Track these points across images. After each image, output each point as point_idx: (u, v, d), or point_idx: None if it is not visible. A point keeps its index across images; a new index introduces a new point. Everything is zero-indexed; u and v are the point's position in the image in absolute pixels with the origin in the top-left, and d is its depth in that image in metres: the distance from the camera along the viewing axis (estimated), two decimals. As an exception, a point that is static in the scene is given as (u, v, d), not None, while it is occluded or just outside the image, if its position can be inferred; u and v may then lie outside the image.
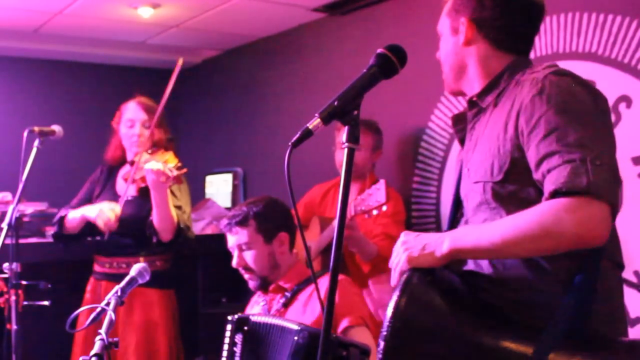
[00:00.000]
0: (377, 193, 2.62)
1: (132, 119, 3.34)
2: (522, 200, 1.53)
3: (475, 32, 1.71)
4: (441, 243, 1.54)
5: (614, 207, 1.44)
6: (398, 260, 1.60)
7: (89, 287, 3.39)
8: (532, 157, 1.50)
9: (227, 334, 2.36)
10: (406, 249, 1.59)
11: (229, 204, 4.91)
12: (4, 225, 2.88)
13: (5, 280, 2.88)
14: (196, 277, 4.41)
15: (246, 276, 2.59)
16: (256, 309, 2.60)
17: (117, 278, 3.23)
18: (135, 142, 3.34)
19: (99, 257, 3.38)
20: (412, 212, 3.66)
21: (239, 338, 2.32)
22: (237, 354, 2.31)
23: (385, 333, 1.49)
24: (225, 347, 2.35)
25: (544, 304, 1.49)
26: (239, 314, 2.41)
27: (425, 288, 1.54)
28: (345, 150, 1.47)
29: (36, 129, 3.08)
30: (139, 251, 3.29)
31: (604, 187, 1.41)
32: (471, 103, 1.74)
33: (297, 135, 1.45)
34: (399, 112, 3.76)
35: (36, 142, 3.05)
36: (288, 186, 1.46)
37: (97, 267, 3.38)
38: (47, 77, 5.13)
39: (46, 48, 4.85)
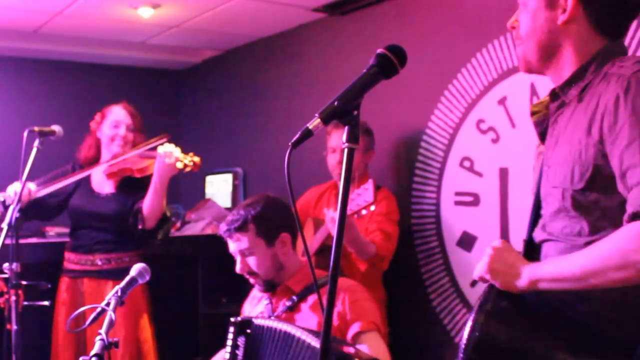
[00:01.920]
0: (365, 193, 2.63)
1: (118, 121, 3.44)
2: (605, 209, 1.45)
3: (580, 10, 1.50)
4: (521, 274, 1.47)
5: None
6: (481, 265, 1.53)
7: (63, 287, 3.39)
8: (615, 166, 1.39)
9: (230, 336, 2.33)
10: (491, 259, 1.51)
11: (229, 204, 4.91)
12: (4, 225, 2.88)
13: (5, 280, 2.88)
14: (196, 277, 4.41)
15: (251, 280, 2.53)
16: (259, 308, 2.58)
17: (98, 274, 3.31)
18: (119, 143, 3.42)
19: (75, 255, 3.40)
20: (412, 213, 3.66)
21: (241, 341, 2.30)
22: (240, 357, 2.29)
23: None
24: (228, 349, 2.32)
25: (635, 323, 1.39)
26: (242, 316, 2.39)
27: (503, 313, 1.45)
28: (345, 151, 1.46)
29: (36, 129, 3.08)
30: (118, 247, 3.35)
31: None
32: (554, 95, 1.58)
33: (297, 136, 1.44)
34: (399, 113, 3.76)
35: (36, 142, 3.05)
36: (288, 186, 1.45)
37: (73, 266, 3.40)
38: (47, 77, 5.14)
39: (46, 48, 4.85)
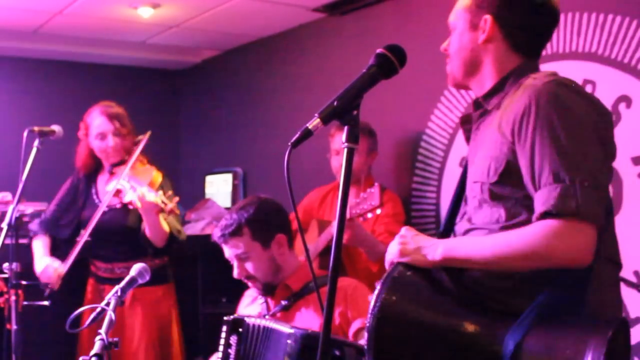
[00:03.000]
0: (372, 196, 2.62)
1: (102, 132, 3.31)
2: (518, 199, 1.59)
3: (497, 31, 1.70)
4: (435, 249, 1.61)
5: (600, 228, 1.49)
6: (391, 251, 1.68)
7: (89, 288, 3.40)
8: (524, 166, 1.55)
9: (223, 334, 2.33)
10: (401, 243, 1.66)
11: (229, 204, 4.91)
12: (4, 225, 2.88)
13: (5, 280, 2.88)
14: (196, 277, 4.41)
15: (250, 284, 2.51)
16: (254, 308, 2.58)
17: (117, 283, 3.27)
18: (112, 153, 3.33)
19: (97, 262, 3.40)
20: (412, 213, 3.66)
21: (233, 340, 2.29)
22: (232, 356, 2.29)
23: (368, 324, 1.55)
24: (221, 348, 2.32)
25: (527, 293, 1.54)
26: (235, 315, 2.38)
27: (407, 280, 1.61)
28: (345, 150, 1.47)
29: (36, 129, 3.08)
30: (137, 255, 3.27)
31: (591, 210, 1.47)
32: (477, 104, 1.76)
33: (297, 136, 1.45)
34: (399, 113, 3.75)
35: (36, 142, 3.05)
36: (288, 186, 1.46)
37: (97, 271, 3.39)
38: (47, 77, 5.13)
39: (46, 48, 4.85)
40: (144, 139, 3.30)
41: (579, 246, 1.46)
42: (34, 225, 3.41)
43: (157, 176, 3.24)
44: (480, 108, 1.75)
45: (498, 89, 1.69)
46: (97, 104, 3.42)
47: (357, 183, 3.37)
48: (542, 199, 1.49)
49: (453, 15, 1.78)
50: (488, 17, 1.69)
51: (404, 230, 1.70)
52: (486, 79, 1.73)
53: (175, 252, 3.38)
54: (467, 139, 1.83)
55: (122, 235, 3.30)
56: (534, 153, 1.52)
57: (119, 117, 3.33)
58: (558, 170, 1.48)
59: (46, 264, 3.23)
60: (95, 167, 3.43)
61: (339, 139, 3.36)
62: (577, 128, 1.52)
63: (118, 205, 3.32)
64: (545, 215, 1.48)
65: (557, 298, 1.50)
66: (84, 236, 3.23)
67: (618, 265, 1.64)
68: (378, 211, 2.63)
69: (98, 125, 3.32)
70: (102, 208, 3.22)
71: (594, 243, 1.47)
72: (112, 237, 3.33)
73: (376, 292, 1.57)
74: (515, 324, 1.46)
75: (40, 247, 3.35)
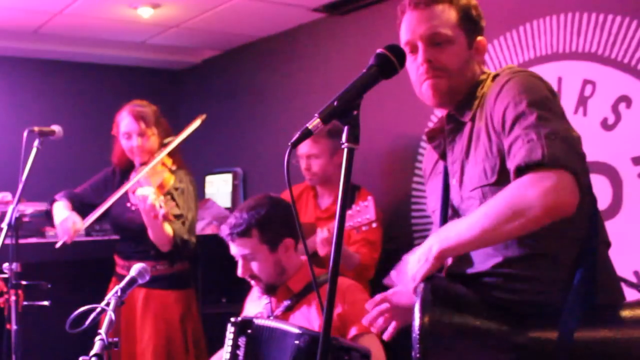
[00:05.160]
0: (366, 210, 2.59)
1: (127, 132, 3.33)
2: None
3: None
4: (429, 249, 1.59)
5: (577, 174, 1.48)
6: (407, 280, 1.66)
7: (111, 286, 3.40)
8: (506, 146, 1.59)
9: (230, 336, 2.32)
10: (409, 269, 1.64)
11: (229, 204, 4.92)
12: (4, 225, 2.88)
13: (5, 280, 2.88)
14: (196, 277, 4.40)
15: (253, 283, 2.51)
16: (259, 308, 2.57)
17: None
18: (139, 153, 3.34)
19: (118, 258, 3.42)
20: (412, 213, 3.66)
21: (242, 341, 2.29)
22: (241, 357, 2.29)
23: (418, 355, 1.51)
24: (229, 349, 2.31)
25: (552, 289, 1.57)
26: (242, 317, 2.38)
27: (441, 302, 1.57)
28: (345, 151, 1.47)
29: (36, 129, 3.08)
30: (153, 256, 3.27)
31: (560, 157, 1.48)
32: (449, 117, 1.78)
33: (297, 135, 1.45)
34: (399, 113, 3.75)
35: (36, 142, 3.05)
36: (288, 186, 1.46)
37: (119, 269, 3.41)
38: (47, 77, 5.14)
39: (46, 48, 4.85)
40: (172, 141, 3.28)
41: (554, 189, 1.45)
42: (58, 195, 3.42)
43: (169, 179, 3.23)
44: (452, 121, 1.77)
45: (471, 100, 1.74)
46: (129, 102, 3.41)
47: (329, 184, 3.41)
48: (513, 157, 1.54)
49: (445, 28, 1.74)
50: (483, 39, 1.78)
51: (406, 258, 1.68)
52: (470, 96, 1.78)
53: (179, 256, 3.36)
54: (442, 154, 1.83)
55: (140, 234, 3.27)
56: (509, 134, 1.57)
57: (145, 117, 3.33)
58: (526, 134, 1.53)
59: (66, 216, 3.22)
60: (129, 164, 3.43)
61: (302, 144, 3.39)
62: (540, 97, 1.59)
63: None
64: (516, 172, 1.51)
65: (582, 287, 1.52)
66: (107, 203, 3.23)
67: (609, 245, 1.69)
68: (374, 225, 2.61)
69: (125, 124, 3.34)
70: (113, 199, 3.24)
71: (572, 187, 1.47)
72: (131, 234, 3.34)
73: (417, 316, 1.53)
74: (562, 320, 1.49)
75: (61, 206, 3.34)
